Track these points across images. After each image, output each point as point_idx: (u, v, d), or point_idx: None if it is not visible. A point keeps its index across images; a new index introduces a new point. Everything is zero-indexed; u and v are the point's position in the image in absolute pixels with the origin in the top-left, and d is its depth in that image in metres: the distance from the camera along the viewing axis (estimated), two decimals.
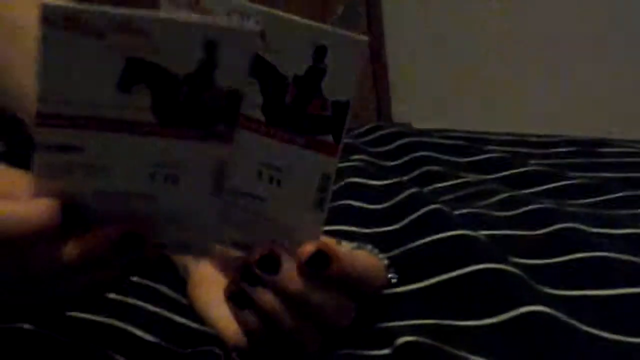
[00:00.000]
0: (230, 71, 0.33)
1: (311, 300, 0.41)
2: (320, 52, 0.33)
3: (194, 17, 0.33)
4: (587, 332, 0.44)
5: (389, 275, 0.47)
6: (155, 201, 0.37)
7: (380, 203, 0.66)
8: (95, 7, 0.32)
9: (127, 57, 0.33)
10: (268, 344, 0.43)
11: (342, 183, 0.72)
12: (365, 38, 0.33)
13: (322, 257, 0.40)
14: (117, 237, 0.36)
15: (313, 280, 0.41)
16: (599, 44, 2.06)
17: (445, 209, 0.59)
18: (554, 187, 0.70)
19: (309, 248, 0.40)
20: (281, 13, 0.32)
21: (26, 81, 0.59)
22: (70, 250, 0.36)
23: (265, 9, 0.33)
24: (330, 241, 0.44)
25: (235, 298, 0.43)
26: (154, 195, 0.36)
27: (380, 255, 0.47)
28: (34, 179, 0.36)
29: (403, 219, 0.60)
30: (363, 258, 0.44)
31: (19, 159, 0.86)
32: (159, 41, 0.33)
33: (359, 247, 0.46)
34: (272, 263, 0.40)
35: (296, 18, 0.32)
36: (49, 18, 0.32)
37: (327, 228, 0.61)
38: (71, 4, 0.32)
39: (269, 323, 0.42)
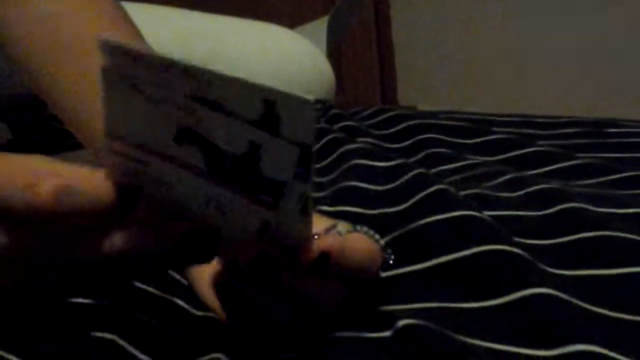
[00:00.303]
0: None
1: (305, 292, 0.41)
2: (269, 104, 0.33)
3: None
4: (593, 312, 0.44)
5: (385, 256, 0.47)
6: (207, 218, 0.38)
7: (385, 184, 0.66)
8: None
9: (180, 126, 0.34)
10: (256, 327, 0.44)
11: (347, 165, 0.72)
12: (310, 97, 0.33)
13: (322, 257, 0.40)
14: (185, 231, 0.37)
15: (307, 276, 0.41)
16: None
17: (451, 189, 0.59)
18: (560, 168, 0.70)
19: (312, 251, 0.40)
20: (228, 73, 0.33)
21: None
22: (129, 235, 0.36)
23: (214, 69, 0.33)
24: (323, 225, 0.44)
25: (222, 291, 0.43)
26: (205, 215, 0.38)
27: (377, 237, 0.46)
28: (103, 170, 0.37)
29: (408, 199, 0.60)
30: (357, 242, 0.43)
31: (28, 146, 0.87)
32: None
33: (354, 229, 0.46)
34: (266, 264, 0.40)
35: (244, 77, 0.33)
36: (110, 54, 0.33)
37: (332, 209, 0.61)
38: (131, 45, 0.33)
39: (257, 311, 0.42)
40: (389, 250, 0.47)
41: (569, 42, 2.10)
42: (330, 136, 0.82)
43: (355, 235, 0.44)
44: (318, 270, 0.40)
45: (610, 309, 0.44)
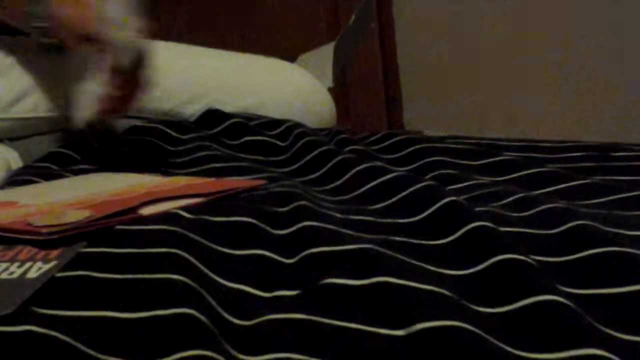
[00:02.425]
0: None
1: None
2: None
3: None
4: (601, 331, 0.45)
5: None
6: None
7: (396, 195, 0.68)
8: None
9: None
10: None
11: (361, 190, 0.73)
12: None
13: None
14: None
15: None
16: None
17: (463, 202, 0.61)
18: (566, 188, 0.71)
19: None
20: None
21: None
22: None
23: None
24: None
25: None
26: None
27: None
28: None
29: (420, 212, 0.62)
30: None
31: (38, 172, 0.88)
32: None
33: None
34: None
35: None
36: None
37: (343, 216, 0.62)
38: None
39: None
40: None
41: (575, 65, 2.11)
42: (339, 157, 0.83)
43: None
44: None
45: (617, 329, 0.45)
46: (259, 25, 2.35)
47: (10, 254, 0.52)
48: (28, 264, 0.50)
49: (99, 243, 0.52)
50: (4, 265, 0.50)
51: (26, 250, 0.52)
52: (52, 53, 0.89)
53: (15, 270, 0.49)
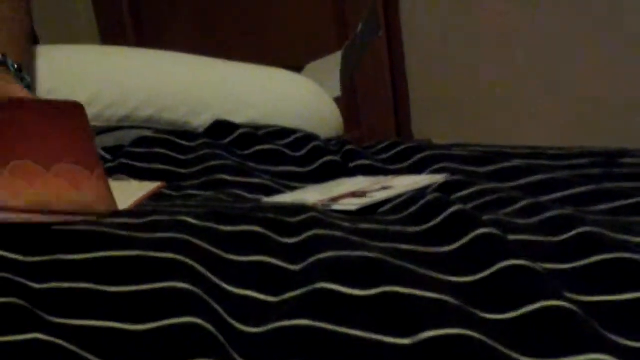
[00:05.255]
0: None
1: None
2: None
3: None
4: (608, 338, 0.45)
5: None
6: None
7: (404, 210, 0.67)
8: None
9: None
10: None
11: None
12: None
13: None
14: None
15: None
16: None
17: (470, 210, 0.61)
18: (572, 194, 0.71)
19: None
20: None
21: None
22: None
23: None
24: None
25: None
26: None
27: None
28: None
29: (428, 222, 0.62)
30: None
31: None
32: None
33: None
34: None
35: None
36: None
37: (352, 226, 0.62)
38: None
39: None
40: None
41: (585, 73, 2.11)
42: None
43: None
44: None
45: (623, 335, 0.45)
46: (264, 34, 2.36)
47: None
48: None
49: (104, 250, 0.52)
50: None
51: None
52: None
53: None
